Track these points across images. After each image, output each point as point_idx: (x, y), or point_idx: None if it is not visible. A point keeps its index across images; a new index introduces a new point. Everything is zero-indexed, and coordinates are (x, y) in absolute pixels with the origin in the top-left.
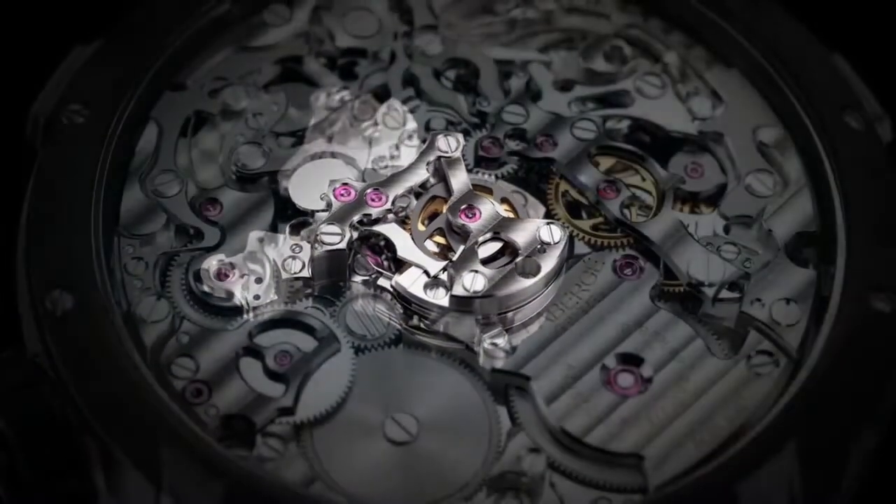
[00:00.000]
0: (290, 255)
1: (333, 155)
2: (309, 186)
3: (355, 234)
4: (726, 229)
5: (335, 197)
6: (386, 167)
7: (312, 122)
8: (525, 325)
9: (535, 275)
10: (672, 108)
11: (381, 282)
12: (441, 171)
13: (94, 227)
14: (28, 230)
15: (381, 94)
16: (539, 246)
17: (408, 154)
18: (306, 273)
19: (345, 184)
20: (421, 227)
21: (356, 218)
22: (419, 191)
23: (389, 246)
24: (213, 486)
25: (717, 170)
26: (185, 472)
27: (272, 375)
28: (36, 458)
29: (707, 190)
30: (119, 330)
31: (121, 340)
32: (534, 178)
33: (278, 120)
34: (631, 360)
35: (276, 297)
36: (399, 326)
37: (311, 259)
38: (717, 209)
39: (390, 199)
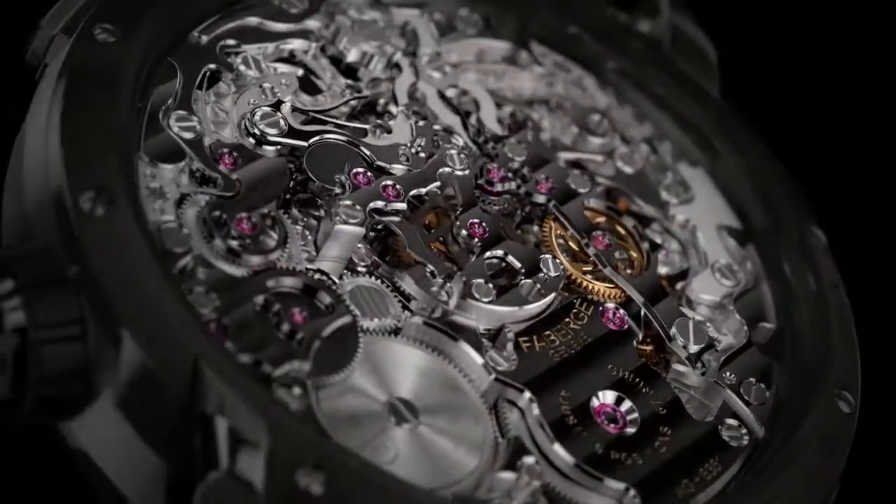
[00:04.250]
0: (300, 226)
1: (348, 142)
2: (324, 164)
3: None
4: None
5: (355, 180)
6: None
7: (330, 104)
8: (522, 343)
9: (535, 300)
10: (644, 186)
11: (383, 276)
12: (449, 184)
13: (124, 147)
14: (62, 133)
15: (390, 100)
16: (541, 274)
17: (417, 160)
18: (311, 248)
19: (364, 172)
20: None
21: (372, 205)
22: (417, 203)
23: (394, 243)
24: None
25: (681, 254)
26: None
27: (286, 331)
28: (48, 352)
29: (673, 271)
30: (150, 239)
31: (154, 248)
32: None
33: (289, 96)
34: (616, 400)
35: (292, 258)
36: (398, 320)
37: (318, 231)
38: (685, 288)
39: (403, 197)
